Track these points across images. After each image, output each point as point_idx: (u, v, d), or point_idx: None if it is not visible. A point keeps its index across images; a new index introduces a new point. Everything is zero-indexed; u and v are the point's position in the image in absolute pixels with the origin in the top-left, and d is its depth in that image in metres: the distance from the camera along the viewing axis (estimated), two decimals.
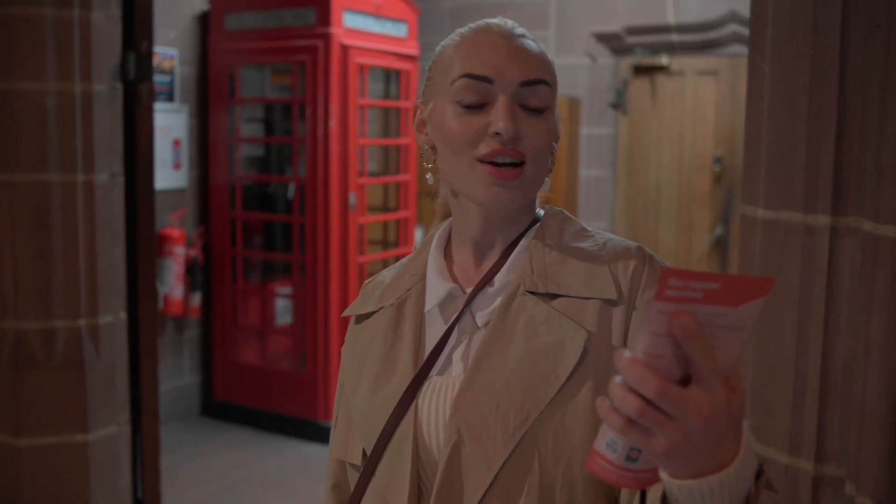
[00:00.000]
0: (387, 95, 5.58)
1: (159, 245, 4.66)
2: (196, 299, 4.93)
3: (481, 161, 1.07)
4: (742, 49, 5.33)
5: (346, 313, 1.26)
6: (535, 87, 1.08)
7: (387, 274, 1.26)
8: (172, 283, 4.74)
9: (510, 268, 1.12)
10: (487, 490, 1.01)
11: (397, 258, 5.40)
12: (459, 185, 1.11)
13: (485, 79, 1.07)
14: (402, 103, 5.18)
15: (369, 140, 5.11)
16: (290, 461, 4.53)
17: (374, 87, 5.33)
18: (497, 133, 1.05)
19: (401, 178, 5.27)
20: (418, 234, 5.72)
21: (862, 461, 1.62)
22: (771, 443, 1.81)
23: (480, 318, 1.11)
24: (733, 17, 5.27)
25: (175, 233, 4.74)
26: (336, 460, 1.24)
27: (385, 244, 5.63)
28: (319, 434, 4.74)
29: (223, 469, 4.40)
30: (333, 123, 4.63)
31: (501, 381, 1.04)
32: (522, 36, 1.11)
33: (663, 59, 5.55)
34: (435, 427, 1.07)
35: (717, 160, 5.51)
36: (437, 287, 1.15)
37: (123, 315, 2.80)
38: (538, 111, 1.09)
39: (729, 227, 5.55)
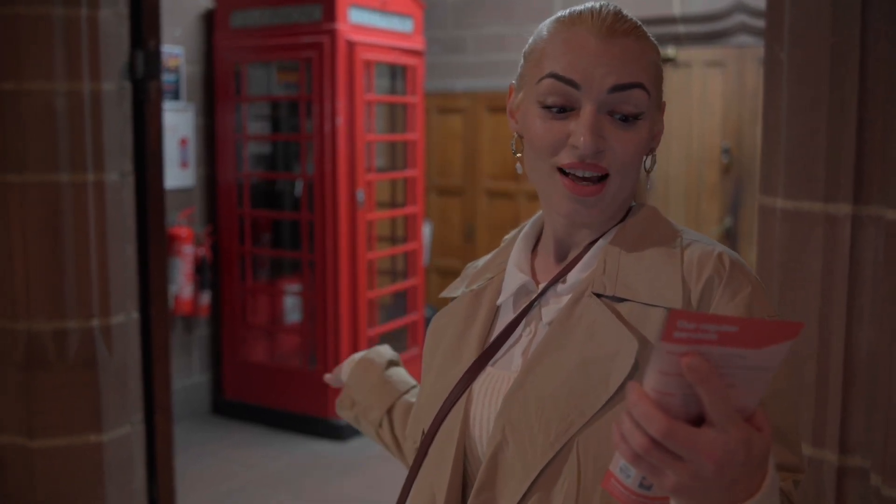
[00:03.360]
0: (393, 91, 5.57)
1: (168, 244, 4.65)
2: (205, 298, 4.92)
3: (560, 170, 1.02)
4: (749, 40, 5.30)
5: (442, 294, 1.25)
6: (627, 91, 1.00)
7: (484, 258, 1.24)
8: (182, 283, 4.73)
9: (585, 266, 1.07)
10: (524, 497, 0.98)
11: (406, 254, 5.40)
12: (539, 188, 1.08)
13: (571, 83, 1.00)
14: (408, 98, 5.17)
15: (376, 136, 5.09)
16: (301, 459, 4.52)
17: (380, 82, 5.31)
18: (577, 147, 1.00)
19: (408, 173, 5.26)
20: (426, 230, 5.70)
21: (888, 452, 1.60)
22: None
23: (546, 315, 1.07)
24: (740, 8, 5.24)
25: (183, 232, 4.74)
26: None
27: (394, 240, 5.62)
28: (330, 431, 4.73)
29: (234, 468, 4.39)
30: (340, 120, 4.62)
31: (552, 386, 1.00)
32: (622, 31, 1.01)
33: (670, 51, 5.52)
34: (487, 420, 1.05)
35: (725, 151, 5.49)
36: (512, 279, 1.12)
37: (136, 315, 2.79)
38: (631, 118, 1.01)
39: (738, 219, 5.52)
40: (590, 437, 0.96)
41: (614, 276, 1.03)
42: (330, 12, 4.56)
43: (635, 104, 1.01)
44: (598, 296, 1.03)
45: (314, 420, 4.80)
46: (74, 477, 2.66)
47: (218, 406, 5.21)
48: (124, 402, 2.74)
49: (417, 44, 5.12)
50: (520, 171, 1.14)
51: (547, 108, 1.02)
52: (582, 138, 0.99)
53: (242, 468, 4.39)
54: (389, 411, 1.39)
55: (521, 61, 1.10)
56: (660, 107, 1.08)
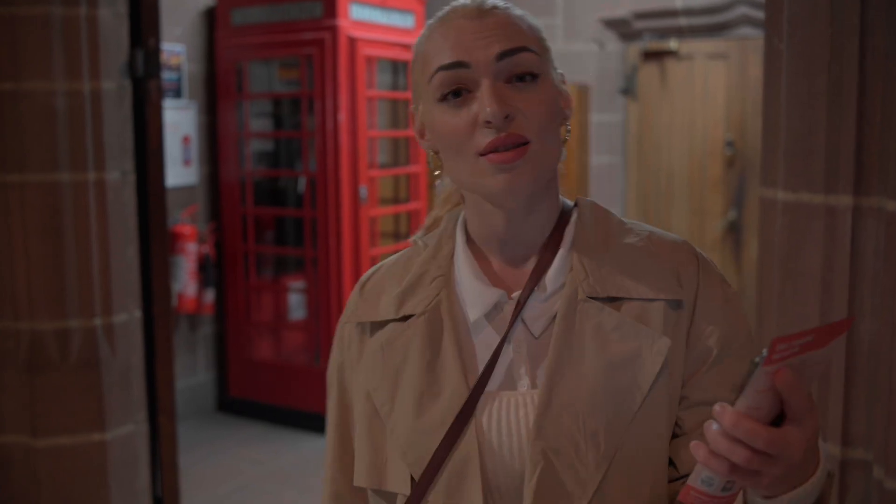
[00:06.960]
0: (395, 87, 5.56)
1: (171, 242, 4.65)
2: (209, 296, 4.92)
3: (482, 154, 0.98)
4: (752, 31, 5.28)
5: (350, 320, 1.13)
6: (515, 56, 0.99)
7: (389, 272, 1.14)
8: (185, 281, 4.73)
9: (559, 270, 1.04)
10: None
11: None
12: (469, 184, 1.03)
13: (459, 64, 0.99)
14: (410, 94, 5.16)
15: (379, 132, 5.09)
16: (306, 456, 4.52)
17: (382, 78, 5.31)
18: (488, 121, 0.97)
19: (411, 169, 5.25)
20: None
21: (890, 444, 1.60)
22: None
23: (535, 326, 1.03)
24: None
25: (187, 230, 4.74)
26: (352, 487, 1.11)
27: (397, 236, 5.61)
28: None
29: (239, 466, 4.40)
30: (342, 116, 4.61)
31: (584, 399, 0.97)
32: (492, 6, 1.02)
33: (672, 44, 5.50)
34: (509, 449, 0.99)
35: (729, 144, 5.47)
36: (480, 294, 1.05)
37: (138, 314, 2.79)
38: (529, 78, 1.00)
39: (742, 212, 5.51)
40: (633, 439, 0.98)
41: (601, 278, 1.02)
42: (331, 9, 4.56)
43: (528, 65, 1.00)
44: (593, 299, 1.01)
45: (320, 416, 4.80)
46: (78, 476, 2.67)
47: (223, 404, 5.23)
48: (127, 401, 2.75)
49: None
50: (439, 189, 1.13)
51: (445, 99, 1.01)
52: (488, 108, 0.96)
53: (248, 465, 4.40)
54: None
55: (412, 78, 1.09)
56: (558, 76, 1.06)
